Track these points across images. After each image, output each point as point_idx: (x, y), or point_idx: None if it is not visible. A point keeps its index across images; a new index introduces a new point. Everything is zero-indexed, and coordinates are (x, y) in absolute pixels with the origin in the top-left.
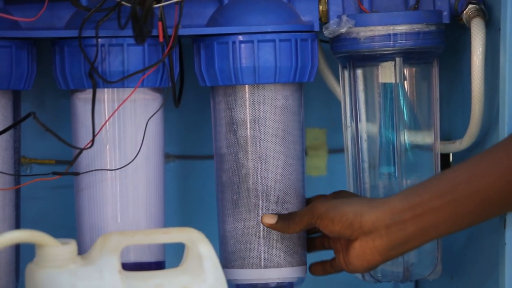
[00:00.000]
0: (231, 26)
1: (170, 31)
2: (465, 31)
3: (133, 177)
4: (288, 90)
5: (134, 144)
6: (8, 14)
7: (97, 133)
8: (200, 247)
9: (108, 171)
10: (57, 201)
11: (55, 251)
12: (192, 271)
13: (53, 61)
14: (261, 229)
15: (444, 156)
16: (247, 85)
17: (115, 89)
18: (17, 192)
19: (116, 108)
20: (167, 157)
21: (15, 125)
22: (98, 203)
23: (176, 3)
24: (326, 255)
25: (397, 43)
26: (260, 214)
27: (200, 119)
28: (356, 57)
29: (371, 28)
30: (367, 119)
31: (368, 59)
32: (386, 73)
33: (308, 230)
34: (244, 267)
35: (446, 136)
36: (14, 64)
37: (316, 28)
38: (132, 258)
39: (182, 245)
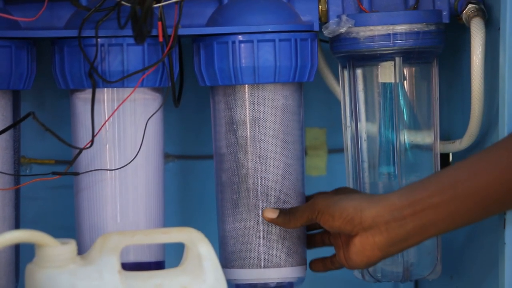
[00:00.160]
0: (230, 26)
1: (170, 31)
2: (465, 30)
3: (132, 177)
4: (288, 90)
5: (133, 144)
6: (8, 14)
7: (97, 133)
8: (200, 247)
9: (108, 171)
10: (57, 201)
11: (55, 251)
12: (192, 271)
13: (53, 61)
14: (261, 229)
15: (444, 156)
16: (246, 85)
17: (115, 89)
18: (17, 192)
19: (115, 108)
20: (167, 157)
21: (15, 125)
22: (97, 203)
23: (175, 3)
24: (326, 252)
25: (396, 42)
26: (260, 214)
27: (199, 119)
28: (355, 57)
29: (371, 28)
30: (367, 119)
31: (367, 59)
32: (386, 73)
33: (308, 227)
34: (244, 267)
35: (446, 136)
36: (13, 64)
37: (316, 28)
38: (132, 258)
39: (182, 245)
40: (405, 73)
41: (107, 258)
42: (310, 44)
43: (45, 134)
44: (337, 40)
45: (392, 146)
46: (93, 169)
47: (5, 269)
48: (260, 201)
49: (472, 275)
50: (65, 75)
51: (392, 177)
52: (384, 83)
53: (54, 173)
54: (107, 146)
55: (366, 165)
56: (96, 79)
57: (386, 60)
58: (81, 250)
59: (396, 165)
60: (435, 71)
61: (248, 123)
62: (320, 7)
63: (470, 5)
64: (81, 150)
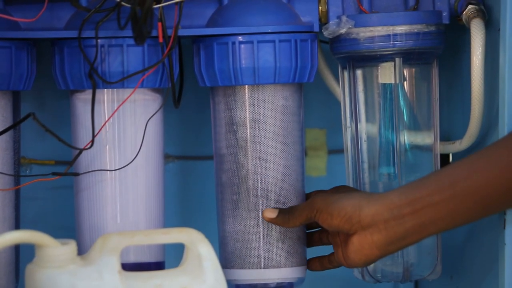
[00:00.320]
0: (230, 27)
1: (170, 32)
2: (465, 31)
3: (132, 178)
4: (288, 91)
5: (133, 145)
6: (8, 14)
7: (97, 134)
8: (200, 248)
9: (108, 171)
10: (56, 201)
11: (54, 252)
12: (192, 271)
13: (53, 61)
14: (261, 229)
15: (444, 157)
16: (246, 86)
17: (115, 89)
18: (17, 193)
19: (115, 108)
20: (167, 157)
21: (15, 125)
22: (97, 203)
23: (175, 3)
24: (324, 251)
25: (396, 43)
26: (260, 215)
27: (199, 119)
28: (355, 58)
29: (371, 28)
30: (367, 120)
31: (367, 60)
32: (386, 73)
33: (307, 225)
34: (243, 268)
35: (446, 136)
36: (13, 64)
37: (316, 29)
38: (132, 259)
39: (182, 246)
40: (405, 73)
41: (107, 258)
42: (310, 45)
43: (45, 135)
44: (337, 41)
45: (392, 147)
46: (93, 169)
47: (5, 269)
48: (260, 202)
49: (472, 275)
50: (65, 75)
51: (392, 178)
52: (384, 84)
53: (54, 174)
54: (107, 146)
55: (366, 165)
56: (96, 79)
57: (386, 61)
58: (81, 251)
59: (396, 165)
60: (435, 72)
61: (248, 124)
62: (320, 8)
63: (470, 6)
64: (81, 150)
